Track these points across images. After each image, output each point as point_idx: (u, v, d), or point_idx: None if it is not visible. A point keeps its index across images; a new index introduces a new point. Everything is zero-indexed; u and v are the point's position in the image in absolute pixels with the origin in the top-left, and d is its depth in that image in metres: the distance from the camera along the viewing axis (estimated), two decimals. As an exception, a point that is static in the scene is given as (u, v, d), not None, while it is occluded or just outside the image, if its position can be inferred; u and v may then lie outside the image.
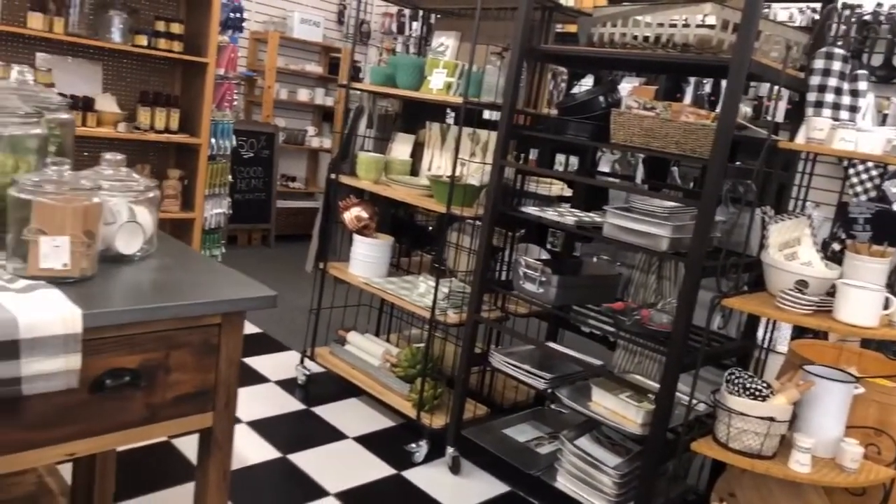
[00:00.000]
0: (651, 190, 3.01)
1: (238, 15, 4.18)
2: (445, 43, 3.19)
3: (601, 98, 2.53)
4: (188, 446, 2.57)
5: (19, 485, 2.04)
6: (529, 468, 2.60)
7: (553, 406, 3.16)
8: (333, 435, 2.85)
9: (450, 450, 2.69)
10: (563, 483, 2.40)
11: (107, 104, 3.50)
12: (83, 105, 3.34)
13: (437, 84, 2.80)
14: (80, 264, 1.23)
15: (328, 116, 6.64)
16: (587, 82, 4.10)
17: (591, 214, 2.62)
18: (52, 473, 2.10)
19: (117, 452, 2.01)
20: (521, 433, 2.92)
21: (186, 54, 3.59)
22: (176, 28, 3.54)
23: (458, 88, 2.76)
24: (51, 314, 1.06)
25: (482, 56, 2.76)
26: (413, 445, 2.75)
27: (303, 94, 6.27)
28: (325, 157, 6.58)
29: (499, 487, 2.63)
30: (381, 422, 3.02)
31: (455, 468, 2.69)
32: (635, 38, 2.21)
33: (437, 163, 3.17)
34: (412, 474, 2.64)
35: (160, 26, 3.50)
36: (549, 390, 2.48)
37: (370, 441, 2.84)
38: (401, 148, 3.33)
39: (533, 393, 3.21)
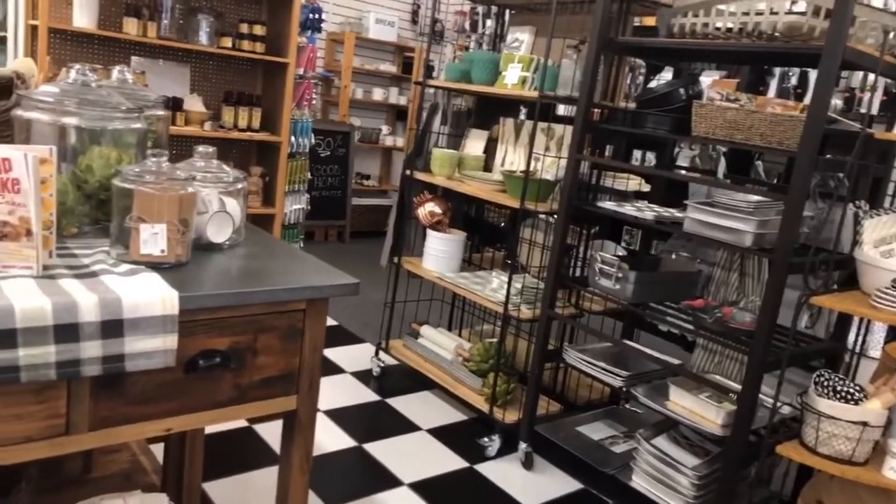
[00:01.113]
0: (734, 185, 2.91)
1: (316, 16, 4.28)
2: (520, 38, 3.17)
3: (682, 90, 2.46)
4: (269, 433, 2.67)
5: (115, 462, 2.16)
6: (604, 466, 2.56)
7: (628, 405, 3.10)
8: (407, 426, 2.89)
9: (522, 445, 2.68)
10: (639, 482, 2.36)
11: (194, 104, 3.66)
12: (173, 105, 3.52)
13: (513, 79, 2.79)
14: (175, 251, 1.30)
15: (401, 115, 6.73)
16: (665, 76, 4.00)
17: (670, 210, 2.56)
18: (145, 452, 2.22)
19: (204, 436, 2.10)
20: (596, 431, 2.89)
21: (268, 55, 3.71)
22: (258, 30, 3.67)
23: (534, 83, 2.75)
24: (151, 296, 1.13)
25: (558, 50, 2.73)
26: (486, 439, 2.76)
27: (377, 94, 6.38)
28: (398, 156, 6.68)
29: (572, 484, 2.61)
30: (454, 415, 3.04)
31: (528, 463, 2.68)
32: (718, 28, 2.14)
33: (511, 158, 3.17)
34: (485, 468, 2.65)
35: (244, 28, 3.64)
36: (626, 388, 2.44)
37: (443, 434, 2.87)
38: (474, 144, 3.35)
39: (607, 391, 3.16)
